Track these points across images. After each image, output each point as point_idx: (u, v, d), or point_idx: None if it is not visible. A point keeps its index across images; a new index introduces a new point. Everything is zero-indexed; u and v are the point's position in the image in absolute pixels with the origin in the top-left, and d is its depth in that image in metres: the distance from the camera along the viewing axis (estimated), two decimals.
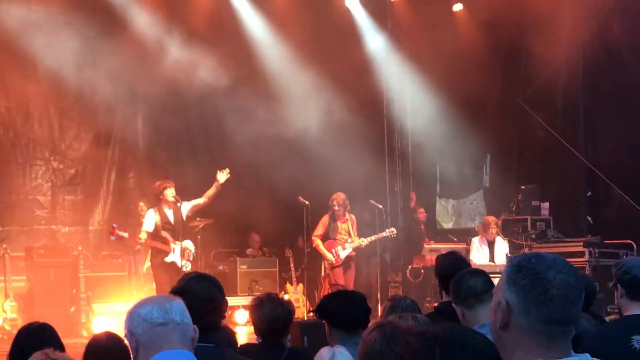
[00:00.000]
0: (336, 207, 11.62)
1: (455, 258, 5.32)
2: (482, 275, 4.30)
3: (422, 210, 14.40)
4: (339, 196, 11.68)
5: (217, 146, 14.06)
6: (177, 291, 3.61)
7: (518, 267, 2.07)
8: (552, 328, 2.00)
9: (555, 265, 2.08)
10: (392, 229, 11.97)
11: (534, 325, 2.00)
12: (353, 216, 11.91)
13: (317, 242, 11.73)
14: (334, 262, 11.62)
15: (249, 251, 13.84)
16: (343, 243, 11.67)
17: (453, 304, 4.31)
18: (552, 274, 2.04)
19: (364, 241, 11.73)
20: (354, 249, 11.73)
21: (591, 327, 4.75)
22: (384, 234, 11.91)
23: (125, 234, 10.50)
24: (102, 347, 3.94)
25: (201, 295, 3.62)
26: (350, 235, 11.71)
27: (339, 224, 11.71)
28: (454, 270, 4.73)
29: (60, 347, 3.96)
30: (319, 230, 11.77)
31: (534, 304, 2.00)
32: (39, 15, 12.35)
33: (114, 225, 10.71)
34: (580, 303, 2.04)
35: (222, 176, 10.59)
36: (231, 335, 3.93)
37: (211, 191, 10.65)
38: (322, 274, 12.15)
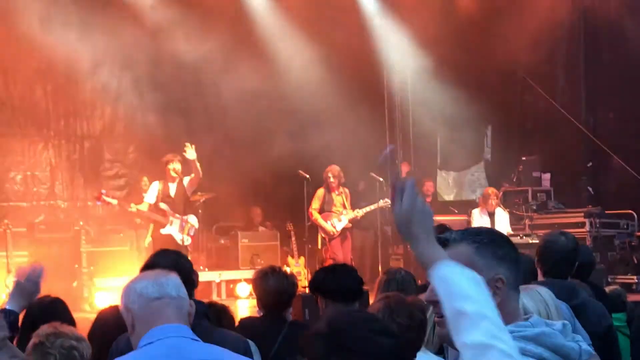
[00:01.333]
0: (331, 179, 11.70)
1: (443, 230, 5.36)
2: None
3: (430, 184, 14.28)
4: (334, 168, 11.75)
5: (217, 121, 14.04)
6: (145, 267, 3.68)
7: (503, 241, 2.21)
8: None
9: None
10: (387, 199, 12.00)
11: (515, 292, 2.18)
12: (347, 189, 12.01)
13: (315, 215, 11.80)
14: (333, 233, 11.71)
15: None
16: (339, 215, 11.77)
17: None
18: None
19: (359, 212, 11.85)
20: (350, 221, 11.81)
21: (590, 297, 4.77)
22: (378, 204, 11.99)
23: (114, 201, 10.46)
24: (110, 320, 3.93)
25: (167, 266, 3.64)
26: (345, 207, 11.81)
27: (333, 196, 11.81)
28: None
29: (71, 321, 3.98)
30: (315, 204, 11.84)
31: (520, 272, 2.18)
32: None
33: (103, 190, 10.69)
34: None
35: (191, 152, 10.34)
36: (208, 307, 3.96)
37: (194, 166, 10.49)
38: (319, 247, 12.23)
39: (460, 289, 1.91)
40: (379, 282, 4.74)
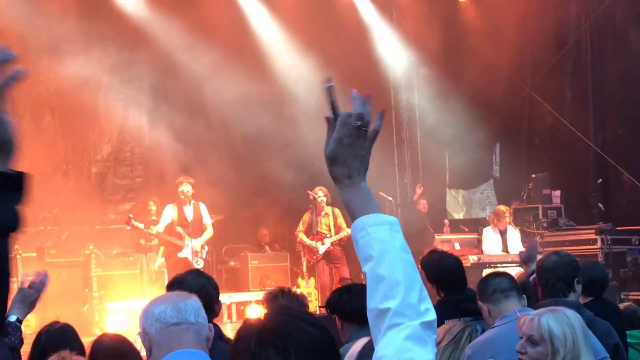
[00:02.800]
0: (319, 200, 11.65)
1: (441, 256, 5.35)
2: (507, 275, 4.47)
3: (424, 202, 14.26)
4: (319, 190, 11.74)
5: (222, 143, 14.01)
6: (174, 281, 3.75)
7: None
8: None
9: None
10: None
11: None
12: (336, 210, 11.91)
13: (301, 235, 11.93)
14: (316, 256, 11.71)
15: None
16: (322, 238, 11.72)
17: (479, 303, 4.38)
18: None
19: (342, 234, 11.73)
20: (333, 244, 11.75)
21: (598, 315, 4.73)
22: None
23: (141, 225, 10.63)
24: (107, 347, 3.89)
25: (193, 288, 3.67)
26: (329, 230, 11.74)
27: (319, 218, 11.78)
28: (445, 265, 5.08)
29: (80, 348, 3.92)
30: (301, 227, 11.95)
31: None
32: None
33: (130, 215, 10.82)
34: None
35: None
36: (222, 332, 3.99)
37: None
38: (304, 271, 12.22)
39: (366, 252, 1.76)
40: None
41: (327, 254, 11.78)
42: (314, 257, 11.86)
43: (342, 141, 1.87)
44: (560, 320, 3.21)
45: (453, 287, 5.12)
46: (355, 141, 1.90)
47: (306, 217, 11.93)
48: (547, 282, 4.48)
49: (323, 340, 1.80)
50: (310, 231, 11.83)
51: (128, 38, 13.18)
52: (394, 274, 1.73)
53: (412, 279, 1.74)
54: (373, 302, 1.73)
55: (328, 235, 11.76)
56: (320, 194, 11.73)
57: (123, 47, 13.15)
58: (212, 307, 3.82)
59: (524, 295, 4.33)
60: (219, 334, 3.84)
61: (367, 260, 1.76)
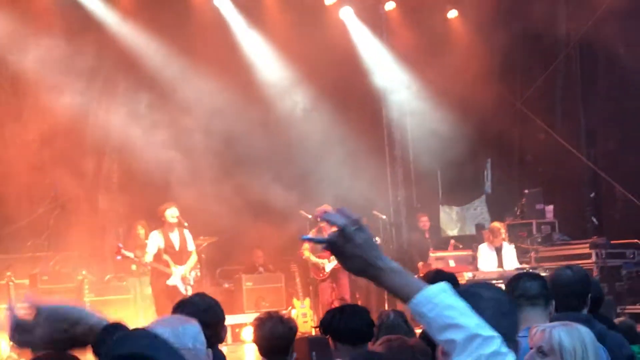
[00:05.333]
0: (319, 220, 11.62)
1: (435, 273, 5.31)
2: (539, 279, 4.27)
3: (425, 218, 14.27)
4: (321, 209, 11.69)
5: (214, 165, 13.93)
6: (182, 301, 3.84)
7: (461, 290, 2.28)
8: None
9: (489, 286, 2.42)
10: (377, 238, 11.89)
11: None
12: None
13: (307, 253, 11.85)
14: (322, 274, 11.60)
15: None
16: (328, 256, 11.66)
17: None
18: (483, 291, 2.35)
19: None
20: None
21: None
22: None
23: (131, 254, 10.54)
24: None
25: (200, 306, 3.70)
26: None
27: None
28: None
29: None
30: (306, 245, 11.87)
31: None
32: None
33: (120, 244, 10.74)
34: (514, 318, 2.37)
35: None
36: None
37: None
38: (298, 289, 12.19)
39: (443, 321, 1.99)
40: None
41: (334, 271, 11.72)
42: (320, 274, 11.75)
43: (354, 252, 2.03)
44: (572, 335, 3.20)
45: None
46: (361, 241, 2.04)
47: (312, 235, 11.83)
48: (562, 298, 4.42)
49: None
50: (316, 250, 11.77)
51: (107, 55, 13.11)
52: (478, 329, 2.01)
53: (478, 322, 2.04)
54: (476, 353, 1.99)
55: None
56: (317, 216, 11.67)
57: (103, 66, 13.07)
58: (216, 331, 3.80)
59: (553, 302, 4.20)
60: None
61: (446, 328, 2.00)
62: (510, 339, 2.22)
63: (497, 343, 2.01)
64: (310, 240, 1.71)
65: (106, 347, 1.88)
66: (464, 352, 1.98)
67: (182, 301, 3.87)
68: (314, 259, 11.78)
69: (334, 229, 2.02)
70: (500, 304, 2.33)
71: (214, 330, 3.69)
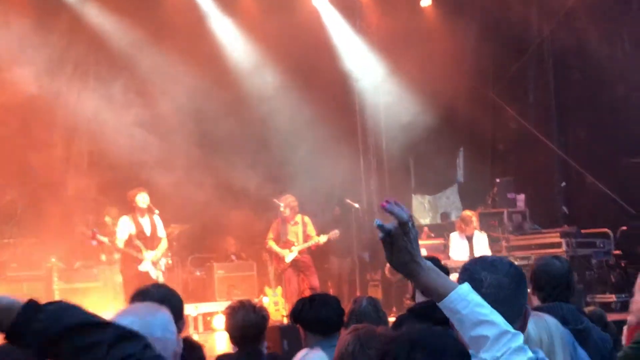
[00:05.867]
0: (282, 209, 11.55)
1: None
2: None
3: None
4: (287, 199, 11.63)
5: (185, 151, 13.84)
6: (138, 291, 3.71)
7: (462, 269, 2.41)
8: None
9: (491, 267, 2.38)
10: (336, 231, 11.80)
11: None
12: (306, 218, 11.82)
13: (270, 243, 11.77)
14: (283, 261, 11.62)
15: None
16: (290, 246, 11.64)
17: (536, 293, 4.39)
18: (484, 275, 2.34)
19: (323, 238, 11.59)
20: (301, 252, 11.60)
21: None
22: (319, 240, 11.63)
23: (106, 239, 10.44)
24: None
25: (156, 296, 3.61)
26: (297, 238, 11.65)
27: (288, 226, 11.67)
28: None
29: None
30: (271, 234, 11.80)
31: None
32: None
33: (94, 229, 10.62)
34: (513, 303, 2.34)
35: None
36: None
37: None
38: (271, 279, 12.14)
39: (477, 318, 2.10)
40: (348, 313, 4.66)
41: (295, 262, 11.65)
42: (281, 265, 11.76)
43: (406, 246, 2.14)
44: (539, 325, 3.20)
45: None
46: (413, 237, 2.16)
47: (275, 224, 11.81)
48: (551, 288, 4.45)
49: None
50: (279, 239, 11.73)
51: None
52: (507, 326, 2.12)
53: (504, 319, 2.15)
54: (505, 348, 2.09)
55: (296, 244, 11.65)
56: (289, 202, 11.59)
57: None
58: (175, 321, 3.74)
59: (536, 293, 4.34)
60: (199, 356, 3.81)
61: (479, 324, 2.10)
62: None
63: (521, 339, 2.12)
64: (378, 227, 1.73)
65: (38, 324, 1.87)
66: (493, 347, 2.08)
67: (138, 291, 3.79)
68: (276, 248, 11.73)
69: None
70: (500, 289, 2.36)
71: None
